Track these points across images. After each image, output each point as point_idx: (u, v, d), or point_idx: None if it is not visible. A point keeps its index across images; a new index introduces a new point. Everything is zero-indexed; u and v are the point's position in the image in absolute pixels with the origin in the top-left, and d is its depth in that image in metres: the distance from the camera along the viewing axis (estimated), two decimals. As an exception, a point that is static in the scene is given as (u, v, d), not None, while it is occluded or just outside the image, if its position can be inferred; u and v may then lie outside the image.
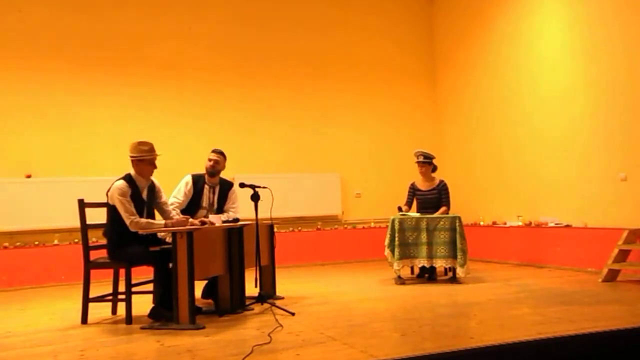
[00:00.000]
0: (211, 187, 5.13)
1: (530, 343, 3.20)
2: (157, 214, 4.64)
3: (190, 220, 4.44)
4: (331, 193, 8.50)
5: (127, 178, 4.37)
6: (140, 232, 4.23)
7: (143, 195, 4.46)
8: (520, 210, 7.56)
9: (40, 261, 6.78)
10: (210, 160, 5.08)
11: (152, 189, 4.56)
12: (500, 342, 3.23)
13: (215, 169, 5.07)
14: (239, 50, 8.29)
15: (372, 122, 9.01)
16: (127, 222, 4.20)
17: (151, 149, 4.42)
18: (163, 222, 4.34)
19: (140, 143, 4.41)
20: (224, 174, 5.26)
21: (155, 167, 4.48)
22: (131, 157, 4.40)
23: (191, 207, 5.02)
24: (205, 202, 5.08)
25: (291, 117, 8.51)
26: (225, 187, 5.22)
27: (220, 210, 5.15)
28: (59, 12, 7.39)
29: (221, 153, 5.14)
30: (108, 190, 4.36)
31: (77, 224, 4.41)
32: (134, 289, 4.38)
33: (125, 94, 7.63)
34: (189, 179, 5.08)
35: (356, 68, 8.95)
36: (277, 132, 8.41)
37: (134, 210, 4.25)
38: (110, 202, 4.31)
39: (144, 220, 4.26)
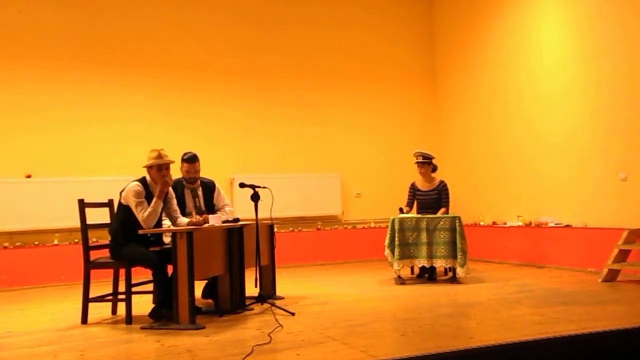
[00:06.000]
0: (192, 191, 4.99)
1: (530, 343, 3.20)
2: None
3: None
4: (331, 193, 8.49)
5: (142, 180, 4.38)
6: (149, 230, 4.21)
7: None
8: (520, 210, 7.56)
9: (40, 261, 6.78)
10: (187, 172, 4.88)
11: (165, 196, 4.45)
12: (500, 342, 3.23)
13: (194, 177, 4.92)
14: (239, 50, 8.29)
15: (372, 122, 9.00)
16: (142, 218, 4.18)
17: (158, 156, 4.32)
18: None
19: (151, 151, 4.35)
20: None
21: (165, 172, 4.32)
22: (145, 166, 4.38)
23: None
24: (190, 207, 4.94)
25: (291, 117, 8.50)
26: (208, 187, 5.09)
27: (210, 211, 5.00)
28: (59, 12, 7.38)
29: (192, 160, 4.88)
30: (122, 190, 4.36)
31: (77, 224, 4.42)
32: (134, 289, 4.38)
33: (125, 93, 7.62)
34: None
35: (356, 68, 8.94)
36: (277, 131, 8.40)
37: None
38: (124, 202, 4.31)
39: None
